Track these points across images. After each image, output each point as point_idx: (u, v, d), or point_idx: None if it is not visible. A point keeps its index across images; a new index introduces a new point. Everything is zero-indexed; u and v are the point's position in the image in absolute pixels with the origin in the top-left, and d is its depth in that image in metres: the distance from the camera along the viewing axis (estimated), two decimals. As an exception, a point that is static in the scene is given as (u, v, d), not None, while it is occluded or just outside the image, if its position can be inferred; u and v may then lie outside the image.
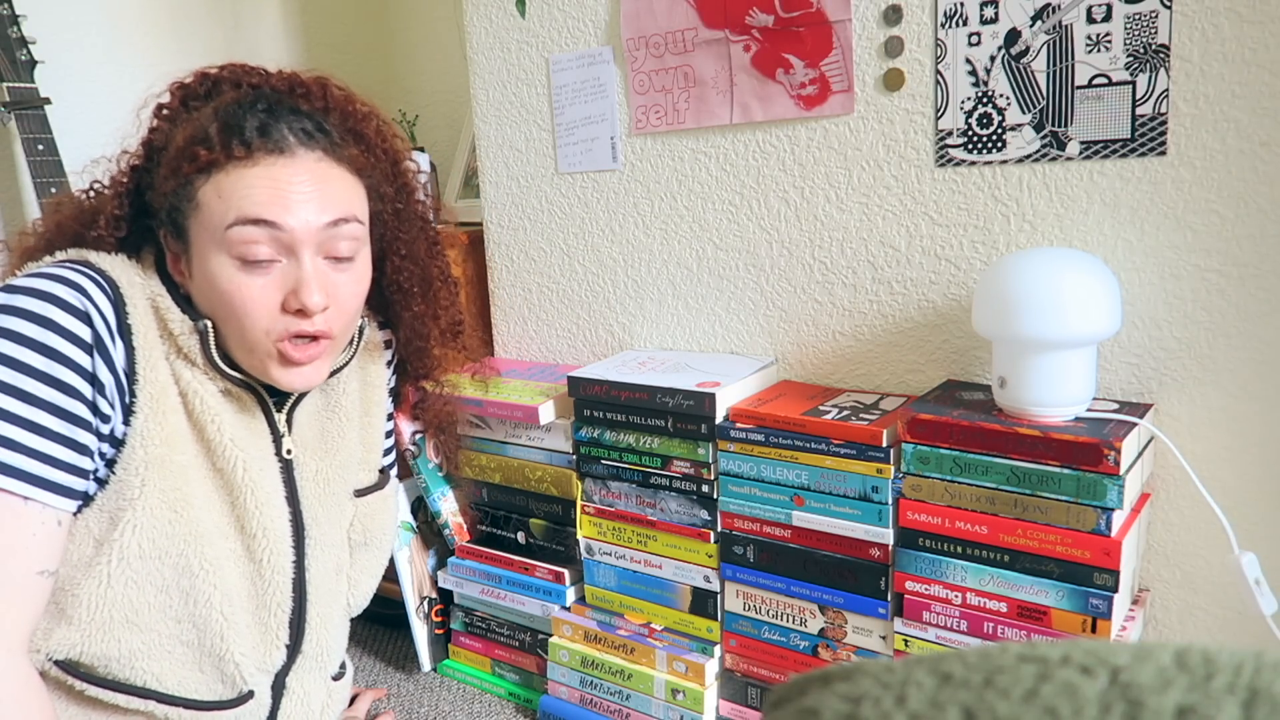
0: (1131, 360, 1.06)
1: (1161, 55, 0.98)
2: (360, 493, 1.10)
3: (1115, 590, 0.93)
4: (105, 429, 0.85)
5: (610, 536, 1.25)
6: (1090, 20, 1.01)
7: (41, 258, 0.90)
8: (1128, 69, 1.00)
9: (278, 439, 0.98)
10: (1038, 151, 1.06)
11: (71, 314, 0.82)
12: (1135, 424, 0.97)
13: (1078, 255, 0.98)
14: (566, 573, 1.28)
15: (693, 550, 1.19)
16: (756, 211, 1.27)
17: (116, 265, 0.88)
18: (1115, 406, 1.02)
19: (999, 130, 1.08)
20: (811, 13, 1.16)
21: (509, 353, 1.56)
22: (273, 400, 0.97)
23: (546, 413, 1.27)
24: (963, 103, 1.09)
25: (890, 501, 1.04)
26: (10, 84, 1.39)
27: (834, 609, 1.10)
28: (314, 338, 0.89)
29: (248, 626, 0.95)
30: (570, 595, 1.29)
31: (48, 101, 1.40)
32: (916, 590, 1.03)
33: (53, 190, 1.36)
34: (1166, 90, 0.99)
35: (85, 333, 0.82)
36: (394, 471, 1.21)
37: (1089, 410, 1.00)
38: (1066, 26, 1.02)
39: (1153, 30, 0.98)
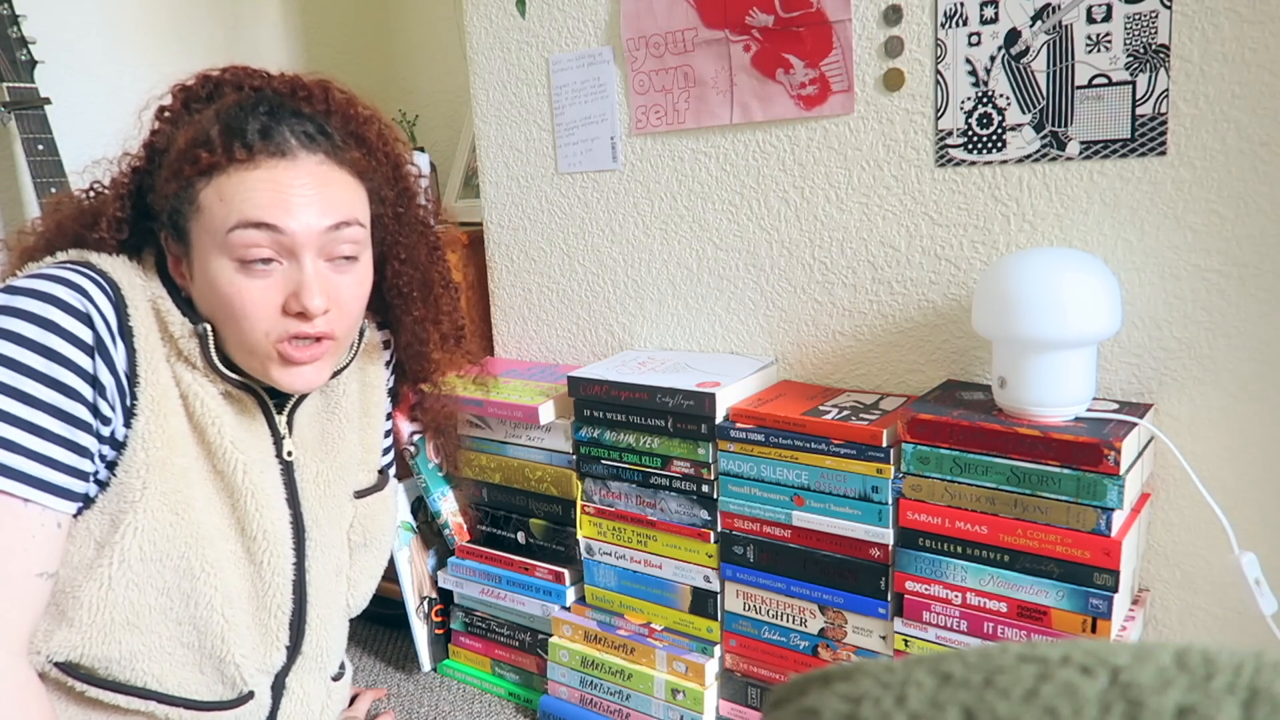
0: (1131, 360, 1.06)
1: (1161, 55, 0.98)
2: (360, 494, 1.10)
3: (1115, 590, 0.93)
4: (106, 431, 0.85)
5: (610, 536, 1.25)
6: (1090, 20, 1.01)
7: (41, 258, 0.90)
8: (1128, 69, 1.00)
9: (278, 441, 0.98)
10: (1038, 151, 1.06)
11: (73, 315, 0.81)
12: (1135, 424, 0.97)
13: (1078, 255, 0.98)
14: (566, 573, 1.28)
15: (693, 550, 1.19)
16: (756, 211, 1.27)
17: (118, 267, 0.88)
18: (1115, 406, 1.02)
19: (999, 130, 1.08)
20: (811, 13, 1.16)
21: (509, 353, 1.56)
22: (273, 402, 0.97)
23: (546, 413, 1.27)
24: (963, 103, 1.09)
25: (890, 501, 1.04)
26: (10, 84, 1.39)
27: (834, 609, 1.10)
28: (316, 339, 0.89)
29: (248, 628, 0.95)
30: (570, 595, 1.29)
31: (48, 101, 1.40)
32: (916, 590, 1.03)
33: (53, 190, 1.36)
34: (1166, 90, 0.99)
35: (86, 335, 0.82)
36: (393, 472, 1.21)
37: (1089, 410, 1.00)
38: (1066, 26, 1.02)
39: (1153, 30, 0.98)
